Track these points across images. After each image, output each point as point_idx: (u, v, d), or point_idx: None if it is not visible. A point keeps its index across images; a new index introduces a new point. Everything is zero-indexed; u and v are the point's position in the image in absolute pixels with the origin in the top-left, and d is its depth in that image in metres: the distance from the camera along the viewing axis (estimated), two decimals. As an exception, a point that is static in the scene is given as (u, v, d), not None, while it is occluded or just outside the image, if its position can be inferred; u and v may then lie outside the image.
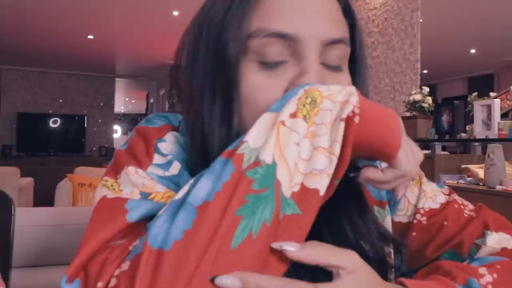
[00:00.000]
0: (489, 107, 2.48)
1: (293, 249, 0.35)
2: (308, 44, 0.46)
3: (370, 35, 3.89)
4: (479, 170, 2.40)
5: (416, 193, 0.59)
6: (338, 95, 0.40)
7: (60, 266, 1.49)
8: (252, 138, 0.38)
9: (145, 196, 0.44)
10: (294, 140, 0.37)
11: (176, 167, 0.48)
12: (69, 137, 9.66)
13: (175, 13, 5.42)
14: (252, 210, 0.34)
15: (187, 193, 0.36)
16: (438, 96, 10.19)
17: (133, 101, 15.09)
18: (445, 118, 2.78)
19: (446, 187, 0.62)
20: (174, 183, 0.46)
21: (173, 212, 0.35)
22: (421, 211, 0.58)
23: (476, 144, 2.69)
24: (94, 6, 5.25)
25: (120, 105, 14.87)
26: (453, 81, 9.33)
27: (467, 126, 2.81)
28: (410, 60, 3.45)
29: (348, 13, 0.52)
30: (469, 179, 2.44)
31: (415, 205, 0.59)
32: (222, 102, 0.47)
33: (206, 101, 0.47)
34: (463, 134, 2.82)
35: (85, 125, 9.85)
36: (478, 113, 2.54)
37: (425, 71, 8.22)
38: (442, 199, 0.59)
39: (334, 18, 0.49)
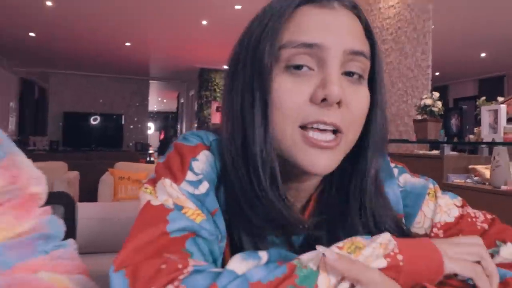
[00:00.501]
0: (495, 112, 2.45)
1: (332, 257, 0.38)
2: (332, 52, 0.47)
3: (384, 42, 3.87)
4: (485, 171, 2.39)
5: (432, 207, 0.59)
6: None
7: (108, 254, 1.57)
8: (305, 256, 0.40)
9: (178, 208, 0.46)
10: None
11: (204, 187, 0.49)
12: (109, 134, 9.89)
13: (204, 22, 5.49)
14: (302, 281, 0.37)
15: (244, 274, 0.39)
16: (449, 97, 9.96)
17: (165, 101, 15.31)
18: (453, 121, 2.76)
19: (459, 198, 0.61)
20: (201, 202, 0.48)
21: (230, 278, 0.38)
22: (438, 225, 0.58)
23: (483, 146, 2.66)
24: (131, 17, 5.37)
25: (154, 104, 15.11)
26: (464, 82, 9.11)
27: (475, 129, 2.78)
28: (421, 66, 3.42)
29: (369, 33, 0.53)
30: (476, 178, 2.43)
31: (432, 219, 0.59)
32: (260, 105, 0.48)
33: (246, 106, 0.50)
34: (471, 136, 2.80)
35: (123, 123, 10.08)
36: (485, 117, 2.51)
37: (437, 73, 8.07)
38: (456, 212, 0.59)
39: (356, 33, 0.50)
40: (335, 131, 0.48)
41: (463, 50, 6.55)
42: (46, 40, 6.62)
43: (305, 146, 0.48)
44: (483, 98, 2.71)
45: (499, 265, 0.50)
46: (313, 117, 0.47)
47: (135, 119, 10.41)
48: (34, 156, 6.56)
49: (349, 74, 0.49)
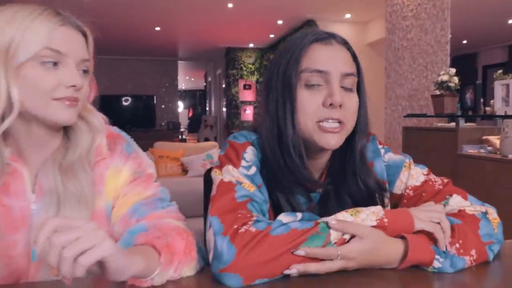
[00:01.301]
0: (508, 86, 2.63)
1: (334, 222, 0.67)
2: (333, 75, 0.76)
3: (405, 19, 4.00)
4: (497, 141, 2.58)
5: (406, 175, 0.87)
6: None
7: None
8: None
9: (239, 183, 0.74)
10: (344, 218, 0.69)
11: (253, 170, 0.78)
12: (142, 114, 10.31)
13: (230, 5, 5.70)
14: (313, 239, 0.66)
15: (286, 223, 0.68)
16: (478, 64, 9.78)
17: (192, 79, 15.66)
18: (468, 96, 2.93)
19: (426, 168, 0.89)
20: (251, 179, 0.77)
21: (278, 225, 0.68)
22: (409, 187, 0.86)
23: (497, 118, 2.84)
24: (161, 4, 5.65)
25: (181, 82, 15.47)
26: (493, 49, 8.93)
27: (491, 101, 2.95)
28: (441, 42, 3.56)
29: (355, 58, 0.81)
30: (489, 148, 2.63)
31: (405, 183, 0.87)
32: (289, 109, 0.77)
33: (280, 109, 0.78)
34: (487, 108, 2.97)
35: (154, 103, 10.51)
36: (498, 91, 2.69)
37: (464, 42, 7.93)
38: (422, 178, 0.86)
39: (348, 61, 0.79)
40: (339, 122, 0.77)
41: (489, 17, 6.48)
42: (81, 29, 7.03)
43: (321, 132, 0.77)
44: (500, 71, 2.86)
45: (449, 214, 0.77)
46: (324, 115, 0.77)
47: (166, 99, 10.82)
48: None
49: (345, 88, 0.78)
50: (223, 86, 9.45)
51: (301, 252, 0.66)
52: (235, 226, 0.67)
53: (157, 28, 7.15)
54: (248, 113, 8.60)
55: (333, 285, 0.66)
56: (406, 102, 4.01)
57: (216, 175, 0.79)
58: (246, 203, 0.73)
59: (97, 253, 0.51)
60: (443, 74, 3.02)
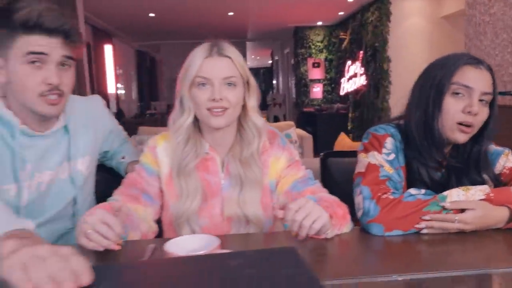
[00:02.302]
0: None
1: (448, 204, 0.95)
2: (476, 91, 1.03)
3: (488, -7, 3.92)
4: None
5: (504, 160, 1.15)
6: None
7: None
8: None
9: (381, 166, 1.06)
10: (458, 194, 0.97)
11: (392, 156, 1.09)
12: (213, 94, 10.87)
13: (302, -13, 5.85)
14: (432, 205, 0.95)
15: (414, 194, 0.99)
16: None
17: (258, 58, 15.99)
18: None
19: None
20: (391, 163, 1.07)
21: (406, 196, 0.98)
22: (506, 167, 1.14)
23: None
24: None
25: (247, 61, 15.89)
26: None
27: None
28: (527, 17, 3.48)
29: (494, 82, 1.06)
30: None
31: (503, 165, 1.14)
32: (438, 110, 1.06)
33: (430, 107, 1.07)
34: None
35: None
36: None
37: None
38: None
39: (488, 83, 1.05)
40: (470, 126, 1.04)
41: None
42: (161, 19, 7.57)
43: (457, 131, 1.05)
44: None
45: None
46: (462, 119, 1.04)
47: (235, 79, 11.25)
48: (154, 120, 7.70)
49: (481, 100, 1.04)
50: (292, 64, 9.64)
51: (426, 217, 0.94)
52: (379, 194, 0.99)
53: (230, 13, 7.48)
54: (316, 91, 8.75)
55: (454, 243, 0.94)
56: (488, 78, 3.99)
57: (363, 158, 1.11)
58: (385, 181, 1.04)
59: (322, 221, 0.88)
60: (530, 51, 3.00)
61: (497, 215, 0.96)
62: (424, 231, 0.97)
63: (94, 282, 0.53)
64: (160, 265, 0.55)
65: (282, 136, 1.22)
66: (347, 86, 7.45)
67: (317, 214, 0.88)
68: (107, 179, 1.35)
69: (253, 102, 1.14)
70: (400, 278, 0.77)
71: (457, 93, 1.04)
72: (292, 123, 5.41)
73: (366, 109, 6.60)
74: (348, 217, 1.03)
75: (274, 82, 13.43)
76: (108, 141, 1.38)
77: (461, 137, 1.06)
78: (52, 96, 1.05)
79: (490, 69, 1.06)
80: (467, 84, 1.03)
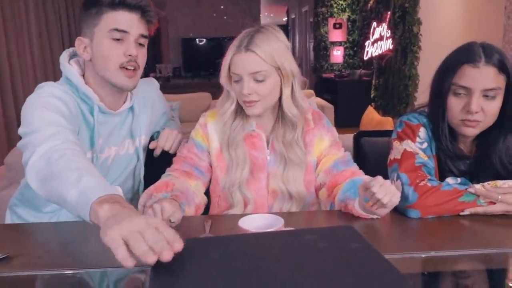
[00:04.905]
0: None
1: (476, 189, 1.13)
2: (475, 91, 1.15)
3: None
4: None
5: None
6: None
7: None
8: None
9: (417, 152, 1.23)
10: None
11: (425, 145, 1.26)
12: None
13: None
14: (467, 195, 1.13)
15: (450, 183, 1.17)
16: None
17: (271, 15, 15.85)
18: None
19: None
20: (424, 151, 1.24)
21: (444, 185, 1.16)
22: None
23: None
24: None
25: (262, 19, 15.78)
26: None
27: None
28: None
29: (504, 70, 1.17)
30: None
31: None
32: (442, 107, 1.21)
33: (435, 107, 1.24)
34: None
35: (235, 45, 10.98)
36: None
37: None
38: None
39: (490, 78, 1.15)
40: (476, 121, 1.18)
41: None
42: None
43: (463, 126, 1.20)
44: None
45: None
46: (464, 117, 1.18)
47: (247, 39, 11.23)
48: (173, 85, 7.79)
49: (486, 96, 1.17)
50: (310, 24, 9.60)
51: (466, 212, 1.14)
52: (417, 181, 1.17)
53: (245, -33, 7.43)
54: (337, 55, 8.76)
55: (500, 226, 1.12)
56: (528, 46, 4.04)
57: (398, 145, 1.28)
58: (421, 167, 1.22)
59: (396, 199, 1.05)
60: None
61: None
62: (466, 212, 1.15)
63: (185, 254, 0.69)
64: (245, 239, 0.73)
65: (326, 118, 1.41)
66: (371, 50, 7.47)
67: (393, 192, 1.04)
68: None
69: (287, 91, 1.27)
70: (436, 254, 0.96)
71: (457, 93, 1.19)
72: (312, 91, 5.54)
73: (392, 76, 6.65)
74: None
75: (290, 44, 13.38)
76: (160, 123, 1.60)
77: (469, 131, 1.20)
78: (129, 67, 1.27)
79: (496, 62, 1.15)
80: (465, 85, 1.16)
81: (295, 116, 1.29)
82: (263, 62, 1.20)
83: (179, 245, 0.69)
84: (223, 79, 1.27)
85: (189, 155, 1.35)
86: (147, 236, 0.70)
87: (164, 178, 1.27)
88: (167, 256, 0.65)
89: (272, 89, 1.24)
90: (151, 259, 0.67)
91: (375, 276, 0.57)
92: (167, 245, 0.68)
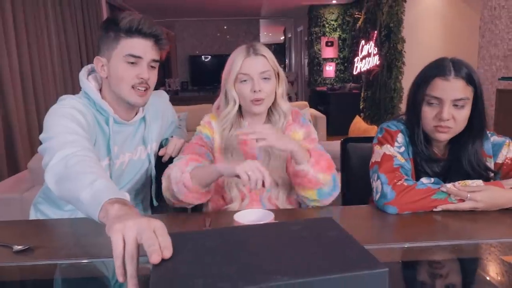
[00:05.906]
0: None
1: (447, 188, 1.16)
2: (445, 101, 1.17)
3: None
4: None
5: (506, 150, 1.28)
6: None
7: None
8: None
9: (395, 156, 1.25)
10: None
11: (402, 149, 1.28)
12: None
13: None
14: (439, 194, 1.16)
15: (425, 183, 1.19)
16: None
17: (270, 34, 15.94)
18: None
19: None
20: (401, 154, 1.26)
21: (419, 184, 1.18)
22: (508, 158, 1.28)
23: None
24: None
25: (260, 38, 15.87)
26: None
27: None
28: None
29: (471, 82, 1.19)
30: None
31: (505, 155, 1.28)
32: (417, 116, 1.24)
33: (414, 116, 1.25)
34: None
35: (237, 61, 11.05)
36: None
37: None
38: None
39: (460, 90, 1.18)
40: (448, 127, 1.20)
41: None
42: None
43: (436, 132, 1.22)
44: None
45: None
46: (437, 123, 1.21)
47: (248, 56, 11.30)
48: (179, 98, 7.82)
49: (456, 105, 1.19)
50: (305, 42, 9.66)
51: (438, 208, 1.15)
52: (395, 181, 1.19)
53: (246, -9, 7.50)
54: (329, 70, 8.82)
55: (469, 220, 1.13)
56: (501, 62, 4.08)
57: (378, 149, 1.30)
58: (399, 168, 1.23)
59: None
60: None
61: (506, 195, 1.15)
62: (439, 209, 1.16)
63: (187, 244, 0.71)
64: (239, 230, 0.75)
65: (304, 116, 1.45)
66: (360, 65, 7.52)
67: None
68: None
69: (281, 90, 1.38)
70: (412, 245, 0.99)
71: (430, 103, 1.21)
72: (306, 103, 5.56)
73: (379, 89, 6.69)
74: (329, 171, 1.26)
75: (286, 60, 13.45)
76: (168, 130, 1.63)
77: (441, 136, 1.23)
78: (141, 88, 1.30)
79: (464, 75, 1.18)
80: (437, 95, 1.19)
81: (285, 111, 1.39)
82: (269, 64, 1.32)
83: (168, 253, 0.65)
84: (230, 83, 1.31)
85: (199, 141, 1.37)
86: (144, 237, 0.69)
87: (177, 161, 1.29)
88: (155, 259, 0.63)
89: (273, 89, 1.34)
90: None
91: (351, 259, 0.60)
92: (158, 250, 0.65)
